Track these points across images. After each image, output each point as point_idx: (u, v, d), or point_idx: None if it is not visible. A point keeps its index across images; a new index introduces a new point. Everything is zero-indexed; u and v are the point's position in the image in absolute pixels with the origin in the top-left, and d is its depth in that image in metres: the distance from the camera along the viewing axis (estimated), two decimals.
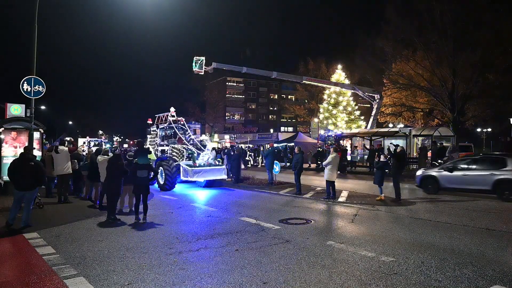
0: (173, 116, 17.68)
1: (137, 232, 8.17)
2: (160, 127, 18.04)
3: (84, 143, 37.82)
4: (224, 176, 16.31)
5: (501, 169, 12.27)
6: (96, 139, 42.94)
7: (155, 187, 15.88)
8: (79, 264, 5.89)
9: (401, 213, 10.40)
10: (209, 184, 16.39)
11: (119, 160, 9.78)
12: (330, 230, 8.40)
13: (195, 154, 16.41)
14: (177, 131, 17.64)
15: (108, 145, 37.13)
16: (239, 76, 73.59)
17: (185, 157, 16.52)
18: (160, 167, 15.49)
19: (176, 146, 17.05)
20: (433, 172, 14.21)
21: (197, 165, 15.76)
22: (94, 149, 15.64)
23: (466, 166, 13.43)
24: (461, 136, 29.13)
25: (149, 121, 19.32)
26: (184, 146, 17.13)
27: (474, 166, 13.22)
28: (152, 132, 18.82)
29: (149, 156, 14.21)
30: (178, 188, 16.04)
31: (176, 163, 15.70)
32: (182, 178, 15.60)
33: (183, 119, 18.18)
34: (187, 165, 15.64)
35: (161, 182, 15.53)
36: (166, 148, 17.40)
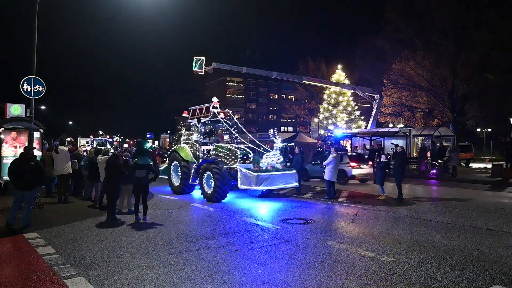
0: (215, 107, 14.36)
1: (137, 232, 8.17)
2: (202, 121, 14.38)
3: (87, 142, 37.09)
4: (296, 184, 12.89)
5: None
6: (100, 138, 42.11)
7: (196, 197, 13.36)
8: (79, 264, 5.89)
9: (401, 213, 10.41)
10: (267, 193, 13.10)
11: (118, 160, 9.79)
12: (330, 230, 8.40)
13: (252, 155, 12.98)
14: (227, 127, 14.48)
15: (108, 145, 36.49)
16: (239, 76, 73.66)
17: (238, 158, 12.68)
18: (207, 172, 12.47)
19: (224, 145, 13.77)
20: (306, 166, 18.13)
21: (262, 169, 12.21)
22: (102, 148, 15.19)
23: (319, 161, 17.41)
24: (461, 136, 29.15)
25: (185, 114, 16.04)
26: (238, 145, 13.88)
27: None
28: (190, 128, 15.05)
29: (183, 156, 13.97)
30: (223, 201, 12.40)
31: (225, 166, 12.62)
32: (241, 186, 12.17)
33: (229, 111, 15.26)
34: (247, 169, 12.12)
35: (208, 190, 12.38)
36: (210, 147, 14.05)
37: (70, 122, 74.21)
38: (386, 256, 6.28)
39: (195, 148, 14.34)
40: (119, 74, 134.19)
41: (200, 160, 13.64)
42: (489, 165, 22.16)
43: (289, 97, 79.92)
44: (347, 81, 40.80)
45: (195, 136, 14.75)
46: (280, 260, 6.07)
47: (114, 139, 40.64)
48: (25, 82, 10.64)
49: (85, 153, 15.04)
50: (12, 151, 13.27)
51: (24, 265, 5.99)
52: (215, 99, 14.41)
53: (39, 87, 10.84)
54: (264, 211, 10.63)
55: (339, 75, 41.31)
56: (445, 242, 7.26)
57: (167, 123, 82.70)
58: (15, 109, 14.25)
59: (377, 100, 33.51)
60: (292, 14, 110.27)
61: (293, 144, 33.63)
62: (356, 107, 41.73)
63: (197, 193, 14.71)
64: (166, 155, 23.46)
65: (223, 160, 12.93)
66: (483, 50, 26.29)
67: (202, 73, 27.96)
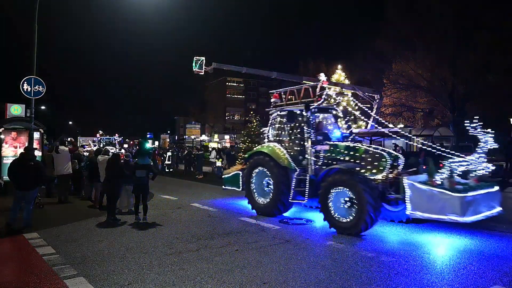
0: (323, 88, 10.29)
1: (137, 232, 8.17)
2: (310, 107, 9.79)
3: (93, 141, 35.55)
4: (500, 208, 7.80)
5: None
6: (108, 136, 40.73)
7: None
8: (79, 264, 5.89)
9: None
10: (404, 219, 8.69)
11: (118, 160, 9.79)
12: (330, 230, 8.39)
13: (401, 160, 8.46)
14: (341, 117, 10.71)
15: (118, 146, 35.04)
16: (239, 76, 73.65)
17: (387, 166, 7.92)
18: (339, 188, 8.03)
19: (353, 144, 9.09)
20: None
21: (456, 183, 7.25)
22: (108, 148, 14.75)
23: None
24: (461, 136, 29.15)
25: (275, 98, 11.27)
26: (375, 146, 9.33)
27: None
28: (293, 118, 9.78)
29: (279, 160, 9.54)
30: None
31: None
32: (415, 213, 7.29)
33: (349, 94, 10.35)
34: (424, 183, 7.30)
35: (340, 217, 8.03)
36: (325, 147, 9.26)
37: (70, 122, 74.17)
38: (386, 256, 6.28)
39: (296, 148, 9.73)
40: (119, 74, 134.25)
41: (312, 167, 9.21)
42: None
43: (289, 97, 79.89)
44: (347, 81, 40.80)
45: (300, 130, 9.79)
46: (280, 260, 6.07)
47: (118, 138, 39.43)
48: (25, 82, 10.63)
49: (86, 153, 14.91)
50: (12, 151, 13.25)
51: (24, 265, 6.00)
52: (323, 77, 10.92)
53: (39, 87, 10.83)
54: None
55: (339, 75, 41.27)
56: (445, 242, 7.26)
57: (167, 123, 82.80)
58: (15, 109, 14.24)
59: (377, 100, 33.45)
60: (292, 14, 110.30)
61: None
62: (356, 107, 41.69)
63: (200, 195, 14.63)
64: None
65: (354, 168, 8.20)
66: (483, 50, 26.28)
67: (202, 73, 27.82)
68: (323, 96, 10.06)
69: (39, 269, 5.73)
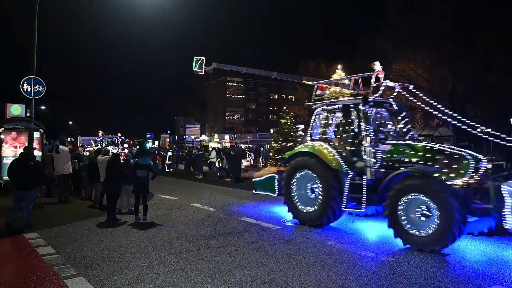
0: (378, 78, 8.83)
1: (137, 232, 8.17)
2: (369, 99, 8.44)
3: (96, 140, 35.02)
4: None
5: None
6: (111, 136, 40.37)
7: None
8: (79, 264, 5.89)
9: None
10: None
11: (118, 160, 9.79)
12: (330, 230, 8.39)
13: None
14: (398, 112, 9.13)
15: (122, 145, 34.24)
16: (239, 76, 73.70)
17: (468, 170, 6.80)
18: (413, 195, 6.80)
19: (421, 144, 7.77)
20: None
21: None
22: (110, 148, 14.48)
23: None
24: (461, 136, 29.14)
25: (321, 90, 10.06)
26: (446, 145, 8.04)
27: None
28: (348, 112, 8.73)
29: (330, 162, 8.21)
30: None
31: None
32: None
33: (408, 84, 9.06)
34: None
35: (414, 230, 6.77)
36: (387, 147, 8.01)
37: (70, 122, 74.18)
38: (386, 256, 6.28)
39: (349, 148, 8.48)
40: (119, 74, 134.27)
41: (371, 170, 7.82)
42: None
43: (289, 97, 79.95)
44: (347, 81, 40.76)
45: (355, 127, 8.52)
46: (280, 260, 6.07)
47: (120, 138, 38.99)
48: (25, 82, 10.63)
49: (87, 153, 14.87)
50: (12, 151, 13.25)
51: (24, 265, 6.00)
52: (378, 66, 8.89)
53: (39, 87, 10.83)
54: (264, 211, 10.62)
55: (339, 75, 41.14)
56: None
57: (167, 123, 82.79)
58: (15, 109, 14.23)
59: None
60: (292, 14, 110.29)
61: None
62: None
63: (200, 195, 14.62)
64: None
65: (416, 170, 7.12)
66: (483, 50, 26.30)
67: (202, 73, 27.78)
68: (381, 88, 8.60)
69: (39, 269, 5.73)
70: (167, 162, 25.92)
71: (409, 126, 9.01)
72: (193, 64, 28.15)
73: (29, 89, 10.67)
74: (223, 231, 8.18)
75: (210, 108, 65.87)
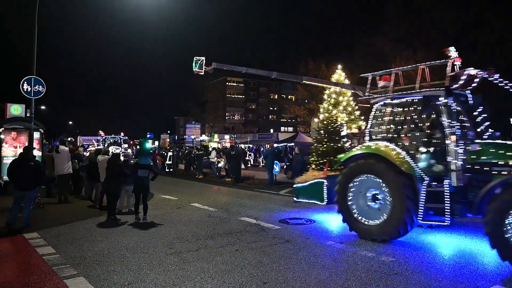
0: (455, 65, 7.55)
1: (137, 232, 8.17)
2: (453, 89, 7.05)
3: (98, 140, 34.67)
4: None
5: None
6: (113, 135, 40.15)
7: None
8: (79, 264, 5.89)
9: None
10: None
11: (118, 160, 9.80)
12: (330, 230, 8.40)
13: None
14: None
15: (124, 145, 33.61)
16: (239, 76, 73.69)
17: None
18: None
19: None
20: None
21: None
22: (112, 148, 14.31)
23: None
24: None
25: (385, 81, 8.57)
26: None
27: None
28: (428, 107, 7.21)
29: (402, 165, 6.96)
30: None
31: None
32: None
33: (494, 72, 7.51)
34: None
35: None
36: (476, 147, 6.74)
37: (70, 122, 74.17)
38: (386, 256, 6.28)
39: (422, 149, 7.22)
40: (119, 74, 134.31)
41: (458, 175, 6.59)
42: None
43: (289, 97, 79.90)
44: (347, 81, 40.76)
45: (435, 124, 7.29)
46: (280, 260, 6.07)
47: (124, 138, 38.82)
48: (25, 82, 10.64)
49: (86, 153, 14.85)
50: (12, 151, 13.26)
51: (24, 265, 6.00)
52: (454, 52, 7.46)
53: (39, 87, 10.84)
54: (264, 211, 10.62)
55: (339, 75, 41.18)
56: (445, 242, 7.25)
57: (167, 123, 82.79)
58: (15, 109, 14.25)
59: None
60: (293, 14, 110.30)
61: (293, 144, 33.69)
62: (356, 107, 41.65)
63: (200, 195, 14.60)
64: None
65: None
66: (483, 50, 26.31)
67: (202, 73, 27.76)
68: (462, 77, 7.23)
69: (39, 269, 5.73)
70: (167, 162, 25.94)
71: (487, 123, 7.57)
72: (193, 64, 28.14)
73: (29, 89, 10.67)
74: (223, 231, 8.17)
75: (210, 108, 65.85)
